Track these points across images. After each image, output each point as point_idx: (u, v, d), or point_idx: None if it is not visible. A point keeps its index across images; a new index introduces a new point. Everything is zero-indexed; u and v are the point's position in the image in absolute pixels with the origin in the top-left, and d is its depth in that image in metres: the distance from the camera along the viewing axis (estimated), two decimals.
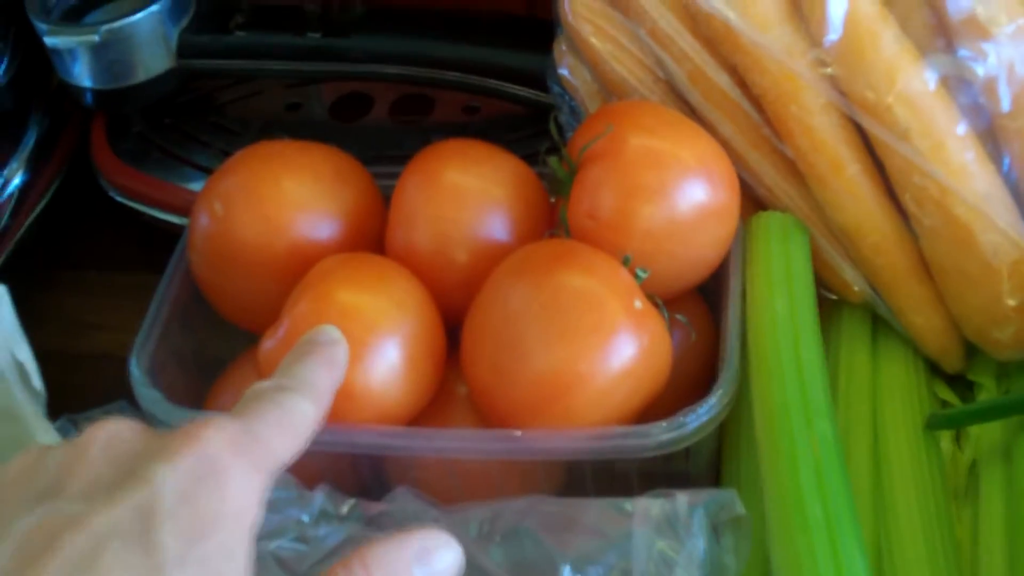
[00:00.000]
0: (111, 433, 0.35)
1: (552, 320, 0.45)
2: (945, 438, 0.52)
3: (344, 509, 0.44)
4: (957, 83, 0.51)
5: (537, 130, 0.57)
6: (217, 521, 0.32)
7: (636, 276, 0.47)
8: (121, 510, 0.31)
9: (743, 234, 0.53)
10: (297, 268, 0.48)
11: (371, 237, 0.52)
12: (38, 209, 0.69)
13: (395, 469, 0.50)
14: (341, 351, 0.42)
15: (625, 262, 0.47)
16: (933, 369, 0.55)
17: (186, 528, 0.32)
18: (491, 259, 0.49)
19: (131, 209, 0.69)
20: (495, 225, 0.50)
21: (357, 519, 0.45)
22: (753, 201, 0.55)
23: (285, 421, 0.37)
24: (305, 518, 0.44)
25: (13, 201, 0.67)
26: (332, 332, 0.42)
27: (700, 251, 0.50)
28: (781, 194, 0.54)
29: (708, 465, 0.51)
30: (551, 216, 0.52)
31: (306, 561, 0.43)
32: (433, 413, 0.49)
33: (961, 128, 0.51)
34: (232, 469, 0.33)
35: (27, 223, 0.68)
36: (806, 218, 0.54)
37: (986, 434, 0.51)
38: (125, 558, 0.31)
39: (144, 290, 0.53)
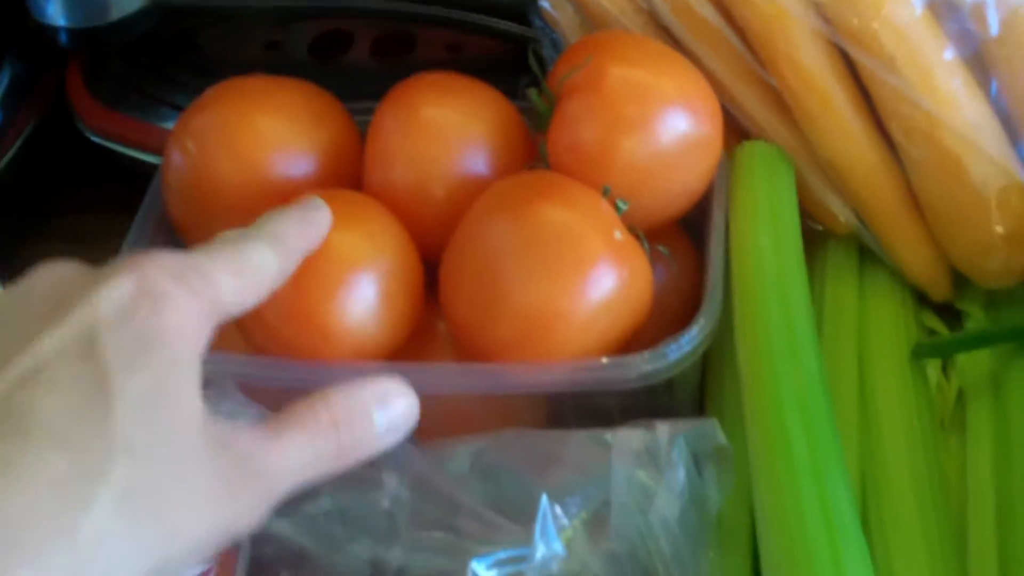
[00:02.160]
0: (54, 272, 0.35)
1: (531, 255, 0.45)
2: (932, 368, 0.51)
3: None
4: (944, 8, 0.50)
5: (521, 69, 0.56)
6: (160, 335, 0.33)
7: (616, 207, 0.46)
8: (63, 329, 0.32)
9: (727, 165, 0.52)
10: (272, 207, 0.48)
11: (348, 175, 0.51)
12: (12, 152, 0.67)
13: None
14: (321, 214, 0.43)
15: (605, 193, 0.46)
16: (920, 299, 0.55)
17: (129, 340, 0.32)
18: (470, 195, 0.48)
19: (110, 151, 0.68)
20: (474, 160, 0.50)
21: None
22: (737, 132, 0.54)
23: (237, 262, 0.37)
24: None
25: None
26: (315, 199, 0.44)
27: (683, 183, 0.49)
28: (766, 125, 0.54)
29: (691, 400, 0.51)
30: (532, 151, 0.51)
31: None
32: (413, 350, 0.48)
33: (948, 54, 0.50)
34: (170, 292, 0.34)
35: (1, 166, 0.66)
36: (792, 149, 0.53)
37: (973, 363, 0.51)
38: (70, 370, 0.32)
39: (124, 234, 0.52)
